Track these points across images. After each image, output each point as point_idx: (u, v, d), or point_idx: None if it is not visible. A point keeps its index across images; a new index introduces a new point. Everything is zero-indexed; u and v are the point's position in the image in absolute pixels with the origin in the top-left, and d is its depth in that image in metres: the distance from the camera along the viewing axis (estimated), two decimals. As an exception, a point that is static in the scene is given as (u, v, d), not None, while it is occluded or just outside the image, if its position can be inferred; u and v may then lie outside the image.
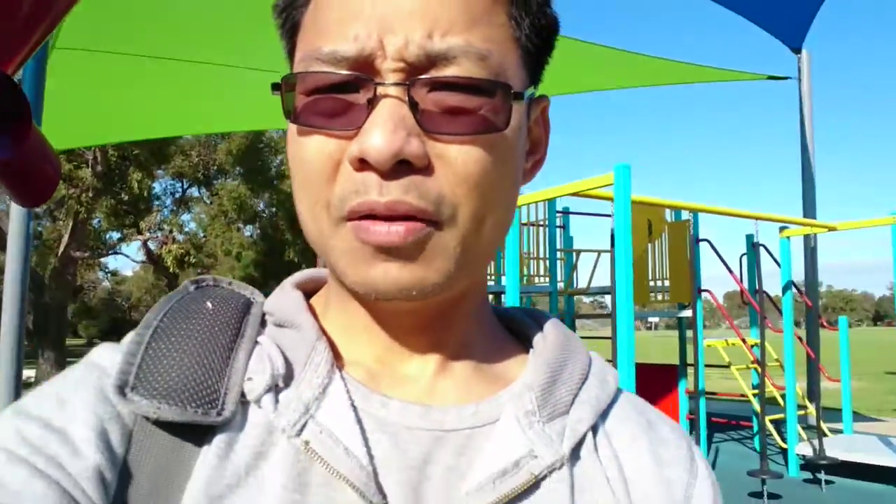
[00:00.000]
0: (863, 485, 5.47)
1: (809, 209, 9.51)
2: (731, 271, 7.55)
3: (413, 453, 0.47)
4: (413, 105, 0.44)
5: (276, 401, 0.47)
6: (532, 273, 8.31)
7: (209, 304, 0.51)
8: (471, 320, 0.54)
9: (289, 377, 0.48)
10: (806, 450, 5.75)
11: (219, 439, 0.45)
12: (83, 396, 0.46)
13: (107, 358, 0.49)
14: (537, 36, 0.50)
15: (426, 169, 0.44)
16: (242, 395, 0.47)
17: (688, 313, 7.07)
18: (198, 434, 0.46)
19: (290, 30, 0.51)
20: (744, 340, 6.97)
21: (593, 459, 0.51)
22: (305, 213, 0.48)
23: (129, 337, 0.50)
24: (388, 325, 0.52)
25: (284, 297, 0.54)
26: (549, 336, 0.57)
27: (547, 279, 8.10)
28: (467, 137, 0.45)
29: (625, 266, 3.57)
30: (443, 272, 0.46)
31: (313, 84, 0.46)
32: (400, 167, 0.43)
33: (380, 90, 0.44)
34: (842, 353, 6.67)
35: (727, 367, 6.74)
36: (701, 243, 7.32)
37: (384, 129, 0.42)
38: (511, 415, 0.50)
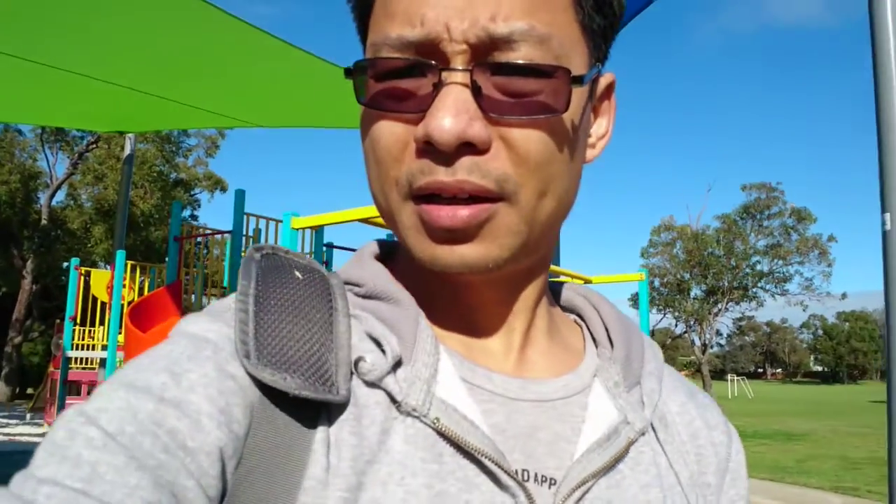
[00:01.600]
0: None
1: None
2: None
3: (522, 422, 0.50)
4: (476, 89, 0.45)
5: (398, 381, 0.47)
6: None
7: (298, 274, 0.51)
8: (541, 294, 0.56)
9: (399, 354, 0.49)
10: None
11: (341, 417, 0.46)
12: (200, 371, 0.43)
13: (211, 330, 0.47)
14: (601, 15, 0.51)
15: (488, 150, 0.46)
16: (356, 372, 0.47)
17: None
18: (312, 410, 0.45)
19: (362, 14, 0.52)
20: None
21: (665, 423, 0.56)
22: (377, 190, 0.51)
23: (228, 305, 0.49)
24: (469, 299, 0.53)
25: (369, 268, 0.54)
26: (606, 310, 0.61)
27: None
28: (527, 120, 0.46)
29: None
30: (507, 248, 0.48)
31: (382, 69, 0.47)
32: (464, 149, 0.45)
33: (444, 75, 0.45)
34: None
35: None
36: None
37: (448, 113, 0.44)
38: (601, 385, 0.55)
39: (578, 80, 0.47)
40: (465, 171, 0.45)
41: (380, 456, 0.45)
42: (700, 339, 21.93)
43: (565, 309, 0.64)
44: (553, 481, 0.48)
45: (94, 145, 24.83)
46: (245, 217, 6.55)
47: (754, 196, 22.06)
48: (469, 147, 0.45)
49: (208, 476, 0.40)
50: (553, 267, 5.98)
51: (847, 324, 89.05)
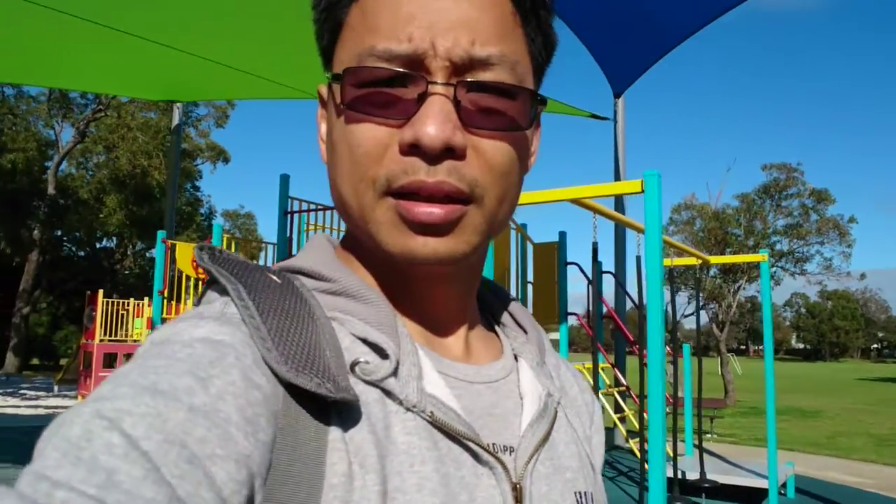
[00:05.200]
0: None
1: (620, 246, 10.26)
2: (601, 297, 7.74)
3: (482, 402, 0.57)
4: (456, 102, 0.51)
5: (397, 380, 0.51)
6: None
7: (274, 278, 0.53)
8: (477, 284, 0.63)
9: (399, 356, 0.52)
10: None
11: (352, 416, 0.48)
12: (226, 378, 0.43)
13: (225, 334, 0.46)
14: (544, 51, 0.59)
15: (464, 157, 0.51)
16: (354, 372, 0.50)
17: (554, 335, 7.14)
18: (326, 411, 0.47)
19: (333, 27, 0.56)
20: (613, 365, 7.15)
21: (564, 391, 0.67)
22: (348, 190, 0.54)
23: (221, 310, 0.49)
24: (428, 293, 0.58)
25: (335, 266, 0.56)
26: (508, 302, 0.69)
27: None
28: (498, 133, 0.53)
29: (656, 278, 3.55)
30: (471, 244, 0.53)
31: (368, 77, 0.51)
32: (444, 154, 0.50)
33: (430, 87, 0.50)
34: (685, 379, 6.94)
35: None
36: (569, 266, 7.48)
37: (436, 121, 0.49)
38: (527, 366, 0.63)
39: (542, 102, 0.56)
40: (444, 173, 0.50)
41: (389, 448, 0.49)
42: (719, 316, 22.11)
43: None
44: (511, 449, 0.56)
45: (102, 113, 24.27)
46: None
47: (773, 176, 22.25)
48: (450, 152, 0.50)
49: (232, 486, 0.39)
50: (679, 245, 5.97)
51: (830, 302, 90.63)
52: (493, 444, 0.55)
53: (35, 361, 30.73)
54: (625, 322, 9.16)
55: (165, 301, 8.25)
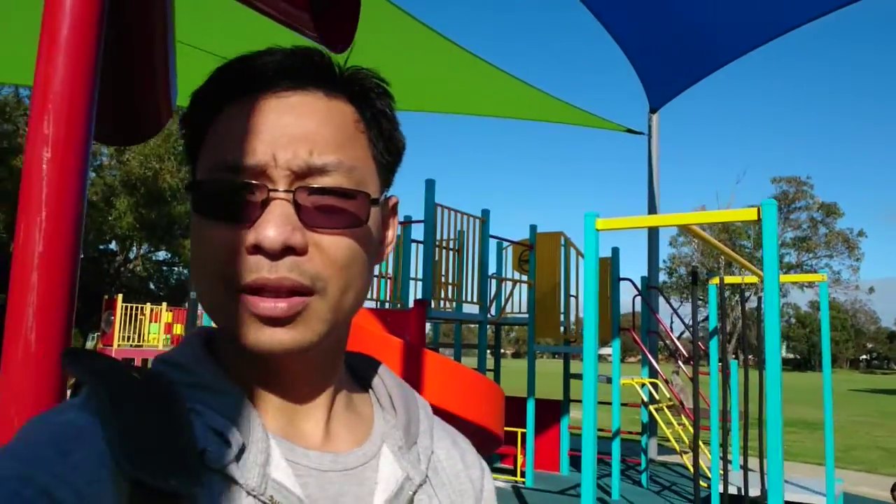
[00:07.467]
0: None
1: (654, 257, 10.34)
2: (653, 311, 7.79)
3: (331, 491, 0.61)
4: (297, 206, 0.57)
5: (239, 466, 0.56)
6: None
7: (136, 374, 0.58)
8: (339, 371, 0.68)
9: (242, 444, 0.57)
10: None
11: (199, 502, 0.53)
12: (83, 454, 0.50)
13: (81, 418, 0.53)
14: (389, 153, 0.66)
15: (305, 253, 0.57)
16: (203, 462, 0.55)
17: (607, 350, 7.19)
18: (171, 499, 0.51)
19: (194, 139, 0.63)
20: (667, 382, 7.18)
21: (436, 471, 0.70)
22: (205, 287, 0.59)
23: (82, 403, 0.55)
24: (285, 381, 0.63)
25: (200, 360, 0.62)
26: (389, 381, 0.73)
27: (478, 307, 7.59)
28: (336, 231, 0.59)
29: (772, 304, 3.63)
30: (317, 332, 0.59)
31: (218, 188, 0.58)
32: (285, 252, 0.56)
33: (272, 194, 0.57)
34: (732, 397, 6.86)
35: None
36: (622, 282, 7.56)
37: (276, 224, 0.56)
38: (388, 450, 0.67)
39: (375, 202, 0.62)
40: (286, 270, 0.56)
41: None
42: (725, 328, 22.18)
43: (359, 377, 0.74)
44: None
45: (111, 115, 24.05)
46: (435, 208, 6.49)
47: (783, 189, 22.45)
48: (290, 251, 0.56)
49: None
50: (735, 256, 6.04)
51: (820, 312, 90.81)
52: None
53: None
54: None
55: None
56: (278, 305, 0.56)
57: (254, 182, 0.57)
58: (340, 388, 0.68)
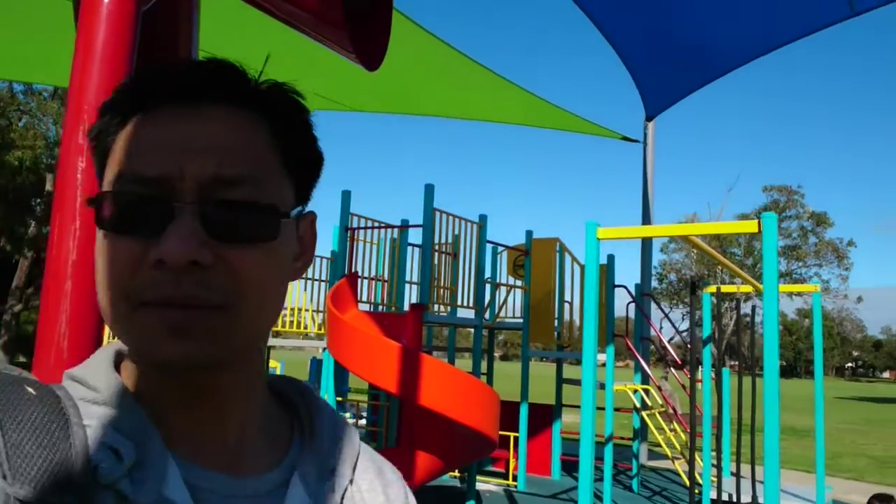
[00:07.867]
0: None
1: (647, 264, 10.41)
2: (647, 318, 7.84)
3: None
4: (203, 219, 0.55)
5: (131, 483, 0.54)
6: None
7: (30, 390, 0.56)
8: (256, 392, 0.66)
9: (134, 460, 0.55)
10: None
11: None
12: None
13: None
14: (303, 168, 0.65)
15: (213, 268, 0.55)
16: (94, 478, 0.53)
17: (601, 357, 7.29)
18: None
19: (102, 153, 0.61)
20: (659, 388, 7.23)
21: (353, 500, 0.67)
22: (105, 302, 0.57)
23: None
24: (191, 398, 0.60)
25: (104, 376, 0.60)
26: (314, 406, 0.71)
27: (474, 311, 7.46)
28: (244, 245, 0.57)
29: (772, 314, 3.67)
30: (226, 348, 0.57)
31: (122, 200, 0.57)
32: (191, 267, 0.54)
33: (177, 207, 0.55)
34: (724, 403, 6.95)
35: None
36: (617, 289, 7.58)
37: (180, 238, 0.54)
38: (299, 478, 0.64)
39: (285, 215, 0.61)
40: (191, 286, 0.54)
41: None
42: (715, 334, 22.34)
43: (284, 401, 0.72)
44: None
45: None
46: (434, 212, 6.49)
47: (773, 198, 22.63)
48: (196, 265, 0.54)
49: None
50: (734, 268, 6.10)
51: (807, 320, 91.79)
52: None
53: (22, 359, 30.17)
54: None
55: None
56: (187, 317, 0.54)
57: (159, 194, 0.56)
58: (256, 410, 0.66)
